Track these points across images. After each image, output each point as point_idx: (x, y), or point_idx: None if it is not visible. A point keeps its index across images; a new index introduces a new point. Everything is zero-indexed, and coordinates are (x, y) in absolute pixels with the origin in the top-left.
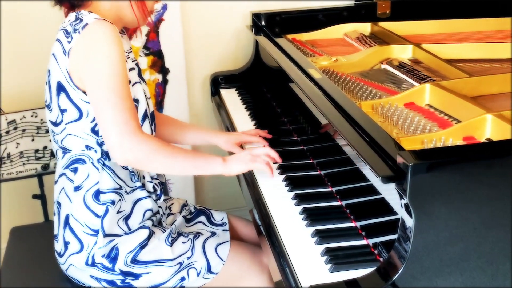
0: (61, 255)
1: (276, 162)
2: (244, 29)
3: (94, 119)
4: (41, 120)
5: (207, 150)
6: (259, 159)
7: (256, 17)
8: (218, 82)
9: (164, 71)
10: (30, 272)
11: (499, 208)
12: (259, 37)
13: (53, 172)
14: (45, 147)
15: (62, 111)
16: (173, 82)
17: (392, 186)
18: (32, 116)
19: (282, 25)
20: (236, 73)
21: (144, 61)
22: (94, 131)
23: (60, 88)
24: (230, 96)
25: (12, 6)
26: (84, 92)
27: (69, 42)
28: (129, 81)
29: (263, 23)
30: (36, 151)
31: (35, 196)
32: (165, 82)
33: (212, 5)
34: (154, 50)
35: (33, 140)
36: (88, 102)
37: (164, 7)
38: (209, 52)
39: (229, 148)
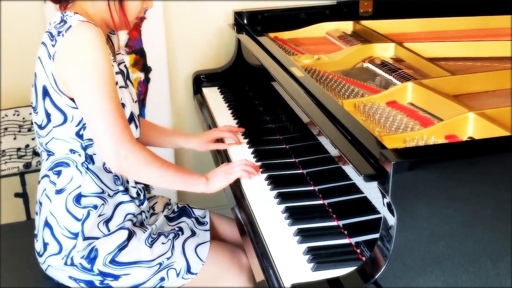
0: (40, 255)
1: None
2: (226, 28)
3: (78, 123)
4: (23, 118)
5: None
6: (235, 168)
7: (238, 15)
8: (200, 81)
9: (146, 69)
10: (12, 271)
11: (481, 207)
12: (241, 36)
13: (35, 171)
14: (27, 146)
15: (48, 115)
16: (155, 81)
17: (374, 184)
18: (14, 114)
19: (264, 23)
20: (218, 72)
21: (126, 60)
22: (79, 135)
23: (45, 92)
24: (212, 95)
25: None
26: (71, 99)
27: (53, 46)
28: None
29: (245, 21)
30: (18, 149)
31: (17, 195)
32: (147, 80)
33: (194, 4)
34: (136, 49)
35: (15, 138)
36: (74, 107)
37: None
38: (191, 51)
39: (204, 148)
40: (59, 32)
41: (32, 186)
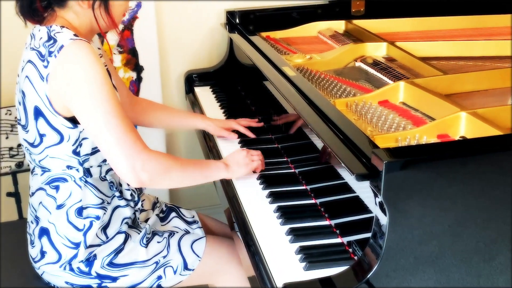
0: (35, 261)
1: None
2: (219, 27)
3: (75, 142)
4: (15, 118)
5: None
6: (255, 157)
7: (231, 15)
8: (192, 80)
9: (138, 69)
10: (4, 270)
11: (474, 206)
12: (233, 35)
13: (28, 170)
14: (19, 145)
15: (42, 135)
16: (147, 80)
17: (366, 184)
18: (6, 114)
19: (256, 23)
20: (211, 71)
21: (118, 59)
22: (76, 153)
23: (38, 113)
24: (205, 94)
25: None
26: (67, 119)
27: (45, 67)
28: None
29: (237, 21)
30: (10, 148)
31: (9, 194)
32: (139, 80)
33: (186, 3)
34: (128, 48)
35: (7, 138)
36: (70, 127)
37: (138, 5)
38: (184, 50)
39: (217, 132)
40: (50, 52)
41: (24, 185)
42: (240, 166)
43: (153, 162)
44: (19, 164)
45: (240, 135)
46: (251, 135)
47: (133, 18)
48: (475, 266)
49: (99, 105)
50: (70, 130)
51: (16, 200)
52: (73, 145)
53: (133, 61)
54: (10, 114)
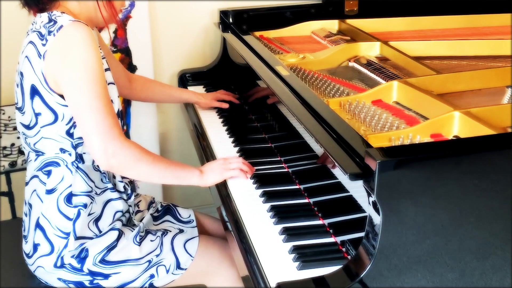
0: (29, 257)
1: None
2: (212, 27)
3: (69, 121)
4: (9, 117)
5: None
6: (233, 165)
7: (224, 14)
8: (185, 79)
9: (131, 68)
10: None
11: (467, 206)
12: (226, 35)
13: (21, 170)
14: (12, 144)
15: (37, 114)
16: None
17: (359, 183)
18: None
19: (249, 22)
20: (204, 70)
21: None
22: (69, 134)
23: (34, 91)
24: None
25: None
26: (61, 96)
27: (43, 45)
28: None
29: (230, 20)
30: (4, 148)
31: (2, 194)
32: None
33: (179, 3)
34: (121, 47)
35: (0, 137)
36: (64, 105)
37: (132, 4)
38: (177, 49)
39: (208, 104)
40: (49, 32)
41: (18, 184)
42: (214, 172)
43: (125, 150)
44: (13, 164)
45: (233, 135)
46: (233, 99)
47: (127, 17)
48: (468, 265)
49: (86, 86)
50: (64, 109)
51: (10, 200)
52: (66, 125)
53: (126, 61)
54: (3, 114)
